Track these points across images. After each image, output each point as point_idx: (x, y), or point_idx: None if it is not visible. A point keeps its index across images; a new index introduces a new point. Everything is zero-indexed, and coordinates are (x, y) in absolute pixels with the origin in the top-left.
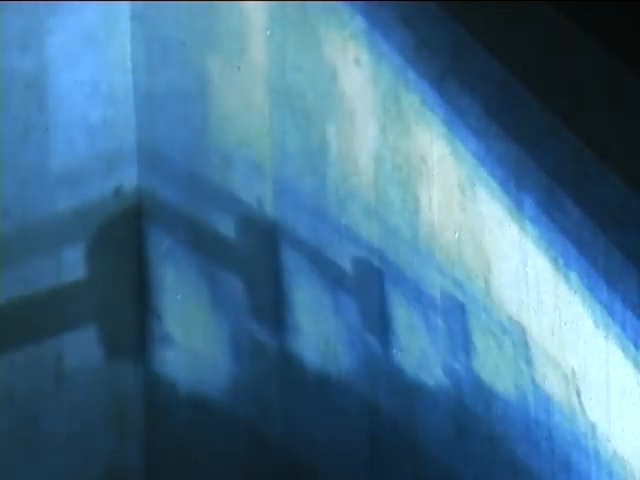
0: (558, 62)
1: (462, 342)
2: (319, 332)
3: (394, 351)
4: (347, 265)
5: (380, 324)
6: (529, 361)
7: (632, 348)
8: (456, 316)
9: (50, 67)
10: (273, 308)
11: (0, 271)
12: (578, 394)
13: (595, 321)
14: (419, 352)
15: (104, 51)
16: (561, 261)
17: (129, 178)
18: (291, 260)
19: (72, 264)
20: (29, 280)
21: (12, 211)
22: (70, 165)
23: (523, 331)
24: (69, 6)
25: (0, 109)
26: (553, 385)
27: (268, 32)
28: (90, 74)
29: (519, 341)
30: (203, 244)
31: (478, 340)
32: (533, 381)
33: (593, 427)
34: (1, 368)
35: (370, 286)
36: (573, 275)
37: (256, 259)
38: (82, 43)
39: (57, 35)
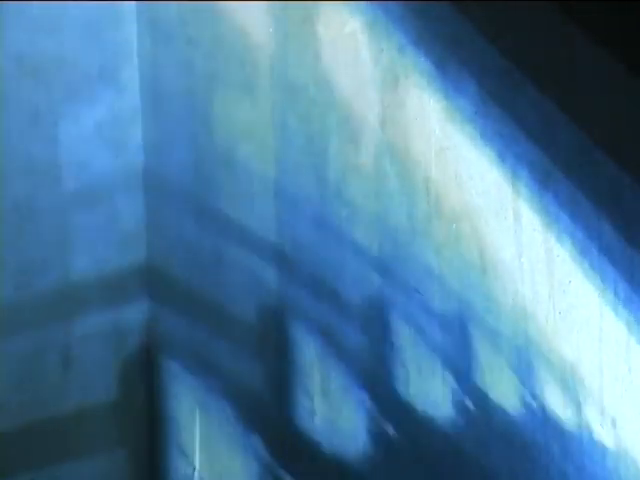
0: (554, 48)
1: (460, 332)
2: None
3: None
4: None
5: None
6: (524, 349)
7: (624, 311)
8: (454, 306)
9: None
10: (293, 442)
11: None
12: (572, 381)
13: (590, 300)
14: (421, 346)
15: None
16: (555, 232)
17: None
18: (304, 404)
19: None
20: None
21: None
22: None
23: (518, 320)
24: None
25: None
26: (547, 372)
27: (271, 29)
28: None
29: (515, 330)
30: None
31: (475, 330)
32: (528, 368)
33: (586, 413)
34: None
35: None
36: (567, 245)
37: (271, 393)
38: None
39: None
